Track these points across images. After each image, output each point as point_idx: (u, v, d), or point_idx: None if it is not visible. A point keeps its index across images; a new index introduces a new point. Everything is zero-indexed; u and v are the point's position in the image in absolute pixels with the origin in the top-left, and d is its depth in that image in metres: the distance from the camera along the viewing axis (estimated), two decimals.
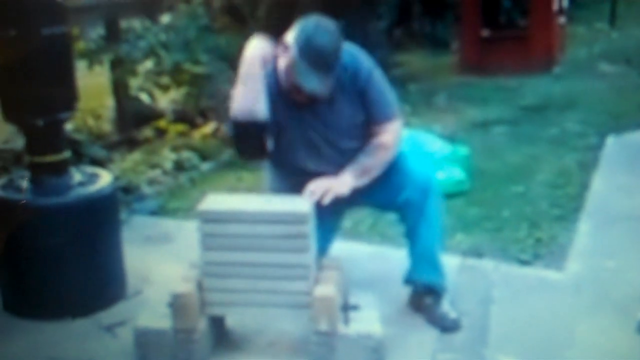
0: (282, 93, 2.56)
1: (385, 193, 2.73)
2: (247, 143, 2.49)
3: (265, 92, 2.45)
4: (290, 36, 2.50)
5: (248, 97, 2.43)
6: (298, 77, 2.47)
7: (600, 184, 4.28)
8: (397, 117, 2.69)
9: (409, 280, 2.83)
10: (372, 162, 2.65)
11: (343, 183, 2.59)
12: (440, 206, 2.77)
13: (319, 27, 2.48)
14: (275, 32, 2.62)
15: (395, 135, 2.68)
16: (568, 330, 2.70)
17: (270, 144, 2.51)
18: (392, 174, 2.70)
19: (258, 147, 2.48)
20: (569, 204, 3.98)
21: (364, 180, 2.64)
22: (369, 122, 2.66)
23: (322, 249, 2.70)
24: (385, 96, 2.68)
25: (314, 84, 2.47)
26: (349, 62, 2.59)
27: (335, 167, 2.64)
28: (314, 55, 2.43)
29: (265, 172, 2.92)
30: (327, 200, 2.53)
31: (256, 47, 2.48)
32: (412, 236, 2.76)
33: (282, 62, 2.52)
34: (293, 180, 2.67)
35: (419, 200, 2.68)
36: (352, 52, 2.64)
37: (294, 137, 2.62)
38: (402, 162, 2.74)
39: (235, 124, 2.46)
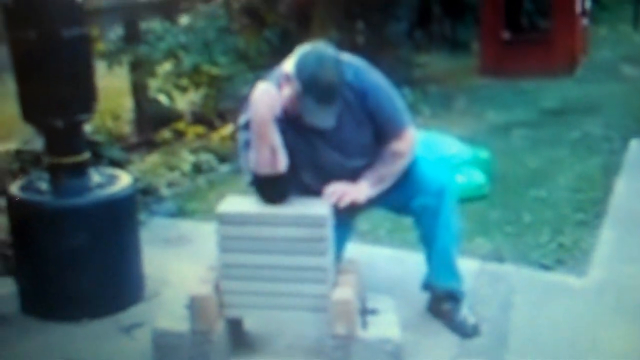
0: (289, 118, 2.50)
1: (400, 197, 2.71)
2: (271, 192, 2.48)
3: (280, 141, 2.41)
4: (291, 65, 2.44)
5: (266, 156, 2.39)
6: (305, 113, 2.42)
7: (623, 188, 4.22)
8: (409, 125, 2.66)
9: (427, 285, 2.81)
10: (388, 171, 2.62)
11: (360, 190, 2.57)
12: (455, 210, 2.74)
13: (321, 61, 2.40)
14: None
15: (409, 143, 2.65)
16: (589, 336, 2.66)
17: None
18: (406, 178, 2.67)
19: (281, 194, 2.48)
20: (591, 209, 3.93)
21: (380, 188, 2.62)
22: (383, 136, 2.62)
23: (337, 251, 2.67)
24: (396, 108, 2.63)
25: (322, 118, 2.43)
26: (353, 81, 2.53)
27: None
28: (320, 91, 2.38)
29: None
30: (343, 204, 2.51)
31: (262, 100, 2.39)
32: (428, 241, 2.74)
33: (286, 92, 2.45)
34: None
35: (434, 205, 2.65)
36: (356, 69, 2.57)
37: (301, 160, 2.56)
38: (417, 167, 2.71)
39: (257, 179, 2.45)
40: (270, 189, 2.47)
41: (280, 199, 2.48)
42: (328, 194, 2.52)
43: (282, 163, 2.42)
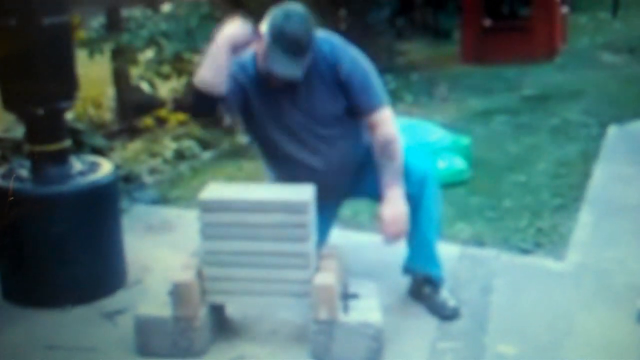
0: (261, 81, 2.61)
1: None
2: (201, 111, 2.65)
3: (228, 67, 2.52)
4: (264, 24, 2.55)
5: (209, 71, 2.51)
6: (270, 63, 2.51)
7: (601, 173, 4.28)
8: (385, 104, 2.68)
9: (406, 269, 2.84)
10: (396, 162, 2.64)
11: (402, 207, 2.61)
12: (437, 197, 2.78)
13: (289, 13, 2.52)
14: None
15: (391, 125, 2.67)
16: (568, 319, 2.70)
17: (227, 117, 2.69)
18: None
19: (209, 116, 2.66)
20: (570, 194, 3.98)
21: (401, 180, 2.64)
22: (358, 113, 2.66)
23: (321, 238, 2.70)
24: (371, 85, 2.66)
25: (286, 68, 2.51)
26: (328, 52, 2.61)
27: (317, 154, 2.66)
28: (285, 40, 2.48)
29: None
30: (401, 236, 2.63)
31: (229, 28, 2.52)
32: (410, 227, 2.76)
33: (258, 51, 2.57)
34: (284, 168, 2.72)
35: (416, 193, 2.68)
36: (333, 42, 2.66)
37: (274, 125, 2.65)
38: None
39: (194, 91, 2.57)
40: (203, 108, 2.59)
41: (207, 119, 2.61)
42: (389, 237, 2.61)
43: (220, 84, 2.50)
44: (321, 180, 2.62)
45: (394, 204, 2.60)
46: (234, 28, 2.52)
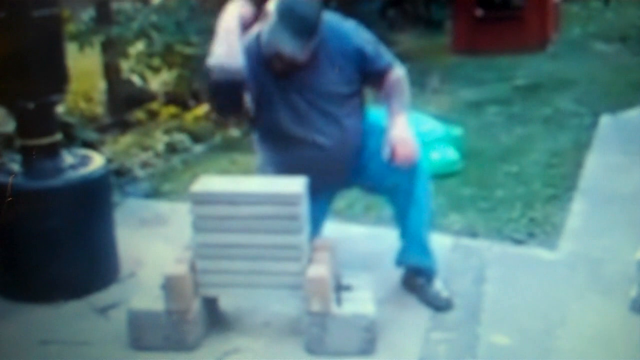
0: (264, 60, 2.58)
1: (374, 176, 2.74)
2: (225, 99, 2.51)
3: (241, 48, 2.48)
4: (271, 4, 2.53)
5: (225, 53, 2.46)
6: (275, 40, 2.49)
7: (593, 163, 4.28)
8: (396, 63, 2.74)
9: (399, 262, 2.84)
10: (404, 96, 2.71)
11: (410, 132, 2.63)
12: (429, 189, 2.78)
13: None
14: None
15: (401, 71, 2.74)
16: (561, 308, 2.71)
17: (249, 103, 2.56)
18: (380, 157, 2.68)
19: (236, 103, 2.51)
20: (562, 184, 3.98)
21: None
22: (376, 77, 2.70)
23: (314, 230, 2.69)
24: (380, 48, 2.72)
25: (292, 47, 2.48)
26: (335, 26, 2.64)
27: (324, 133, 2.65)
28: (293, 19, 2.46)
29: (256, 147, 2.91)
30: (412, 158, 2.60)
31: (235, 7, 2.50)
32: (401, 219, 2.77)
33: (264, 29, 2.55)
34: (281, 146, 2.70)
35: (406, 184, 2.69)
36: (337, 18, 2.69)
37: (277, 102, 2.63)
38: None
39: (212, 80, 2.48)
40: (226, 96, 2.49)
41: (234, 111, 2.55)
42: (400, 158, 2.58)
43: (238, 64, 2.44)
44: (327, 159, 2.64)
45: (401, 128, 2.62)
46: (239, 7, 2.50)
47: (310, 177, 2.52)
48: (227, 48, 2.45)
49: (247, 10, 2.52)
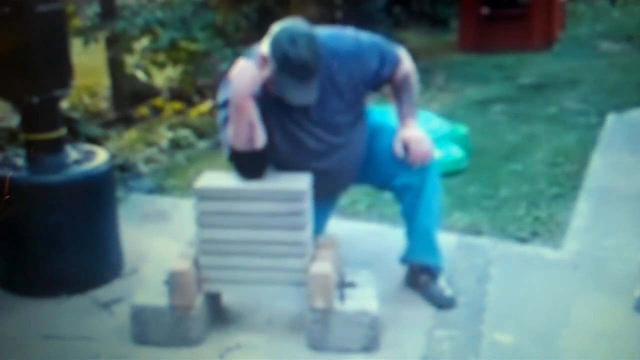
0: (270, 97, 2.48)
1: (383, 174, 2.72)
2: (248, 168, 2.48)
3: (259, 118, 2.42)
4: (266, 46, 2.42)
5: (244, 132, 2.39)
6: (284, 93, 2.41)
7: (599, 162, 4.27)
8: (398, 51, 2.71)
9: (405, 260, 2.83)
10: (413, 95, 2.71)
11: (421, 132, 2.64)
12: (438, 189, 2.75)
13: (293, 36, 2.36)
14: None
15: (407, 62, 2.72)
16: (565, 308, 2.70)
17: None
18: (389, 154, 2.67)
19: (259, 170, 2.49)
20: (567, 183, 3.97)
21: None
22: (386, 79, 2.67)
23: (318, 228, 2.69)
24: (383, 50, 2.66)
25: (301, 95, 2.42)
26: (334, 49, 2.53)
27: (328, 159, 2.62)
28: (295, 69, 2.36)
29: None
30: (426, 159, 2.62)
31: (243, 77, 2.37)
32: (409, 217, 2.75)
33: (265, 72, 2.43)
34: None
35: (417, 184, 2.66)
36: (334, 36, 2.59)
37: (283, 138, 2.56)
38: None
39: (235, 154, 2.46)
40: (248, 164, 2.47)
41: (257, 175, 2.49)
42: (417, 156, 2.59)
43: (260, 139, 2.42)
44: (332, 180, 2.63)
45: (413, 129, 2.63)
46: (246, 74, 2.37)
47: (314, 190, 2.52)
48: (246, 129, 2.38)
49: (251, 73, 2.37)
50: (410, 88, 2.71)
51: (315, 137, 2.59)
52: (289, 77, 2.38)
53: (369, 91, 2.68)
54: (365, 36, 2.66)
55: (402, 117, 2.68)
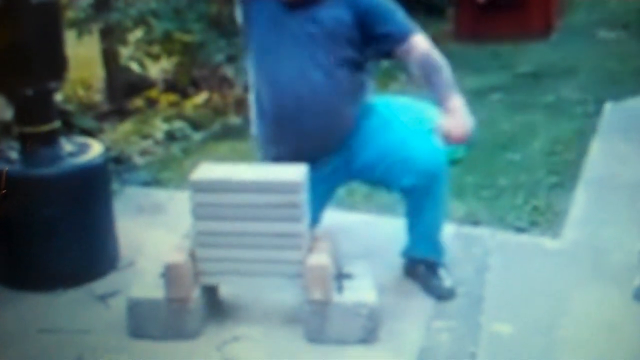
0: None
1: (389, 174, 2.64)
2: None
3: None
4: None
5: None
6: None
7: (597, 151, 4.25)
8: (417, 31, 2.63)
9: (406, 254, 2.80)
10: (442, 72, 2.62)
11: (465, 117, 2.59)
12: (445, 192, 2.70)
13: None
14: None
15: (425, 43, 2.62)
16: (564, 297, 2.69)
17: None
18: (396, 153, 2.60)
19: None
20: (565, 172, 3.95)
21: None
22: (390, 43, 2.61)
23: (315, 218, 2.66)
24: (396, 13, 2.62)
25: None
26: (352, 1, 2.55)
27: (308, 80, 2.57)
28: None
29: (254, 131, 2.87)
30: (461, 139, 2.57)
31: None
32: (414, 216, 2.70)
33: None
34: (272, 96, 2.64)
35: (425, 185, 2.59)
36: None
37: (271, 47, 2.58)
38: (407, 141, 2.62)
39: None
40: None
41: None
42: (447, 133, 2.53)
43: None
44: (305, 111, 2.56)
45: (455, 115, 2.57)
46: None
47: (303, 138, 2.53)
48: None
49: None
50: (436, 65, 2.60)
51: (299, 61, 2.56)
52: None
53: (364, 50, 2.61)
54: (391, 3, 2.64)
55: (442, 101, 2.59)
